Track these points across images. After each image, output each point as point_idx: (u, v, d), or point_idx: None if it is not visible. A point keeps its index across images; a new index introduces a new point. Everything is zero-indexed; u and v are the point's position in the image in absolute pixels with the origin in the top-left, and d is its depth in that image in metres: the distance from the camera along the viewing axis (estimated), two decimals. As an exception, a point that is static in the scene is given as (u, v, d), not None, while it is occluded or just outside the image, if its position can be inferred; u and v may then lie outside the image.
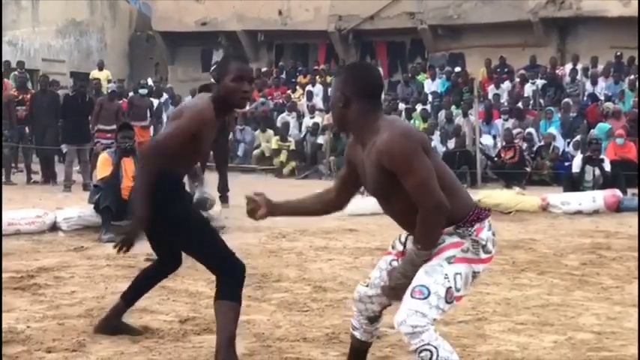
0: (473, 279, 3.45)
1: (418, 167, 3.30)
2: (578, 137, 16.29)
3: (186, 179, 4.73)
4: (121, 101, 15.94)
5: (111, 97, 15.06)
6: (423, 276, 3.34)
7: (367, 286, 3.74)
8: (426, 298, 3.29)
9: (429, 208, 3.31)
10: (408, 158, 3.30)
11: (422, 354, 3.25)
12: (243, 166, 18.07)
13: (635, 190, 12.62)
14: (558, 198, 11.49)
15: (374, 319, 3.70)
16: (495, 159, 15.91)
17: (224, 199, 11.27)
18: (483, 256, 3.44)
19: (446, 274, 3.34)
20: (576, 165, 13.16)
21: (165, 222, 4.20)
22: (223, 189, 11.43)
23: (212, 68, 22.40)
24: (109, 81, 20.79)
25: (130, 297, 4.78)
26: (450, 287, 3.33)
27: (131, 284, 4.85)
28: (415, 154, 3.31)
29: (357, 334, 3.82)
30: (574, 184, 12.78)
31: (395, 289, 3.43)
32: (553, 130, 16.98)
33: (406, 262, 3.43)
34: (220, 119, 4.23)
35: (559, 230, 9.57)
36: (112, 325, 4.75)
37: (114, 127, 13.84)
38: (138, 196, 4.11)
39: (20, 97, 15.50)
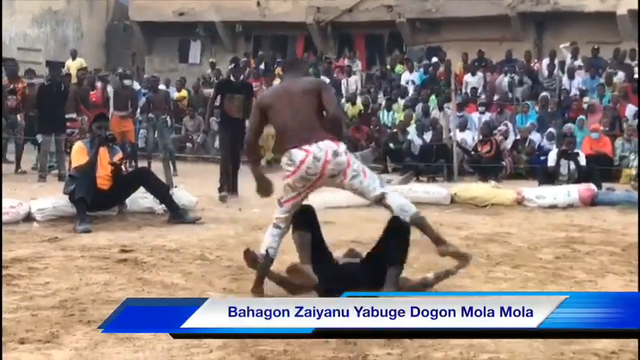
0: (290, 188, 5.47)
1: None
2: (552, 129, 16.38)
3: None
4: (95, 90, 15.76)
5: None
6: None
7: None
8: None
9: None
10: None
11: None
12: (220, 157, 17.90)
13: (610, 185, 12.72)
14: (533, 192, 11.52)
15: None
16: (472, 153, 15.95)
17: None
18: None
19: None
20: (551, 159, 13.22)
21: None
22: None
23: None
24: (83, 69, 20.53)
25: None
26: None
27: None
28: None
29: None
30: (549, 177, 12.85)
31: None
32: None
33: None
34: None
35: (534, 224, 9.61)
36: None
37: (73, 115, 14.08)
38: None
39: (12, 87, 15.46)
